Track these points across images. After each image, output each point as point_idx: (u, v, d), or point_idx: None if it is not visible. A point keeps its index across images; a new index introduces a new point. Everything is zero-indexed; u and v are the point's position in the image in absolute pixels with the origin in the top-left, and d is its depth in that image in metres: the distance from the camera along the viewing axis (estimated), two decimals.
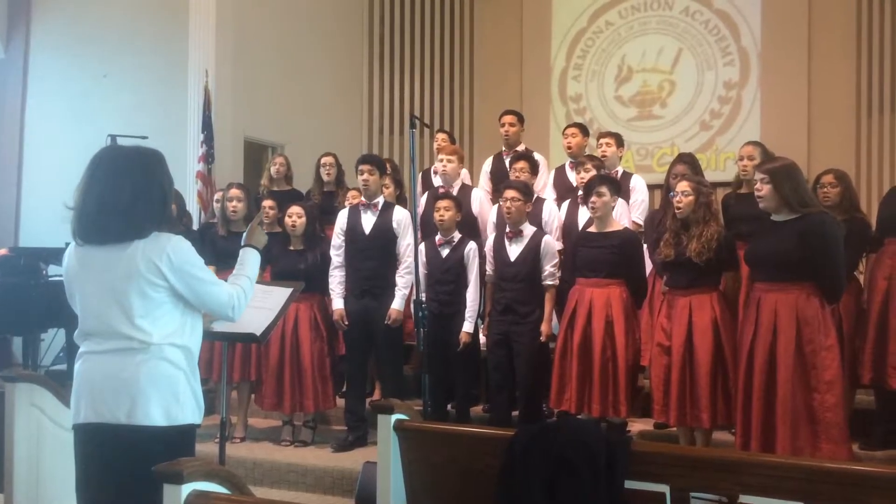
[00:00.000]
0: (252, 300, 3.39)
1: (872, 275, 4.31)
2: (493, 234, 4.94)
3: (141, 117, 6.79)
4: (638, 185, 5.33)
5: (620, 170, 5.44)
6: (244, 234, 2.91)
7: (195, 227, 6.18)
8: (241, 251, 2.84)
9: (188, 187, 6.67)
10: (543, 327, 4.62)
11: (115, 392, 2.37)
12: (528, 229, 4.73)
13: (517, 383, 4.66)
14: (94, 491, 2.41)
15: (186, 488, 2.04)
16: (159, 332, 2.41)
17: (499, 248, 4.76)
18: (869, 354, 4.19)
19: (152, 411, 2.37)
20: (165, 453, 2.25)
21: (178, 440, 2.41)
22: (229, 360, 4.88)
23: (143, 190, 2.42)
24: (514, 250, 4.70)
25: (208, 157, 6.80)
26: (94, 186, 2.40)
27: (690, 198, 4.05)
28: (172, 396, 2.41)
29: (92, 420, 2.39)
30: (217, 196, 5.83)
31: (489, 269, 4.83)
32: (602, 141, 5.45)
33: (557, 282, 4.72)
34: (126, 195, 2.39)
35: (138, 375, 2.37)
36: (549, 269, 4.65)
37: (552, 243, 4.74)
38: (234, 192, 5.28)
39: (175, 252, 2.43)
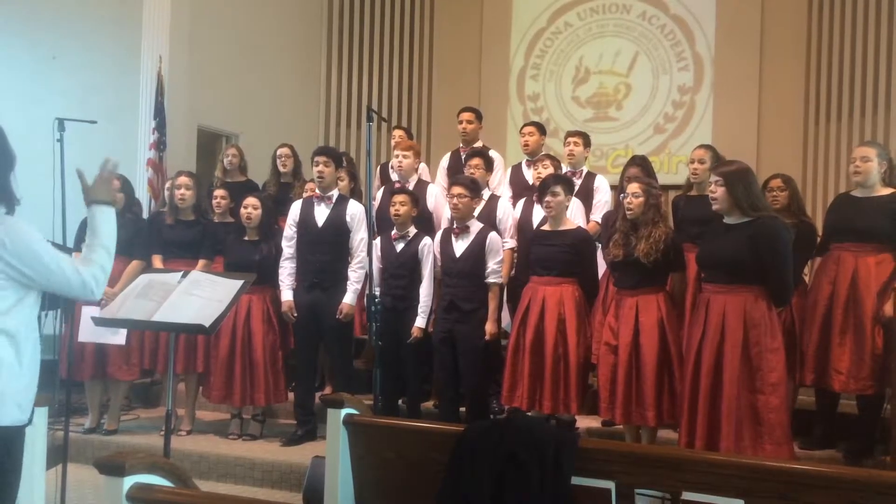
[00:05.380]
0: (201, 291, 3.35)
1: (818, 279, 4.41)
2: (441, 230, 4.95)
3: (91, 101, 6.62)
4: (602, 185, 5.36)
5: (585, 169, 5.47)
6: (87, 189, 2.47)
7: (145, 215, 6.06)
8: (89, 212, 2.44)
9: (139, 175, 6.53)
10: (488, 326, 4.63)
11: None
12: (475, 225, 4.75)
13: (462, 382, 4.67)
14: None
15: (128, 481, 2.00)
16: None
17: (445, 244, 4.77)
18: (812, 357, 4.29)
19: None
20: None
21: None
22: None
23: None
24: (459, 246, 4.71)
25: (160, 145, 6.66)
26: None
27: (640, 199, 4.11)
28: None
29: None
30: (168, 184, 5.73)
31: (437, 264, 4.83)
32: (570, 140, 5.47)
33: (502, 279, 4.74)
34: None
35: None
36: (493, 266, 4.66)
37: (497, 240, 4.75)
38: (183, 179, 5.21)
39: (10, 235, 2.23)
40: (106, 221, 2.43)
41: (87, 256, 2.37)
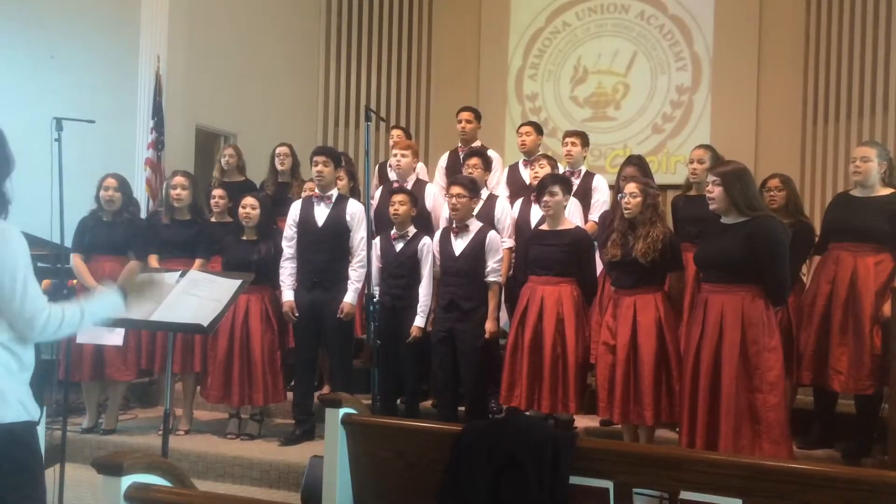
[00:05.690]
0: (200, 291, 3.35)
1: (816, 279, 4.42)
2: (440, 229, 4.95)
3: (89, 101, 6.62)
4: (600, 185, 5.35)
5: (583, 169, 5.46)
6: (128, 281, 2.59)
7: (143, 215, 6.06)
8: (109, 288, 2.54)
9: (137, 174, 6.53)
10: (488, 325, 4.63)
11: None
12: (475, 225, 4.75)
13: (462, 381, 4.66)
14: None
15: (126, 480, 2.00)
16: None
17: (444, 243, 4.77)
18: (810, 356, 4.30)
19: None
20: None
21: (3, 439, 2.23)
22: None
23: None
24: (459, 245, 4.71)
25: (158, 144, 6.66)
26: None
27: (638, 199, 4.12)
28: None
29: None
30: (164, 184, 5.73)
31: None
32: (568, 140, 5.46)
33: (501, 278, 4.74)
34: None
35: None
36: (493, 265, 4.66)
37: (497, 239, 4.75)
38: (179, 179, 5.20)
39: (2, 241, 2.21)
40: (108, 308, 2.46)
41: (64, 304, 2.33)
